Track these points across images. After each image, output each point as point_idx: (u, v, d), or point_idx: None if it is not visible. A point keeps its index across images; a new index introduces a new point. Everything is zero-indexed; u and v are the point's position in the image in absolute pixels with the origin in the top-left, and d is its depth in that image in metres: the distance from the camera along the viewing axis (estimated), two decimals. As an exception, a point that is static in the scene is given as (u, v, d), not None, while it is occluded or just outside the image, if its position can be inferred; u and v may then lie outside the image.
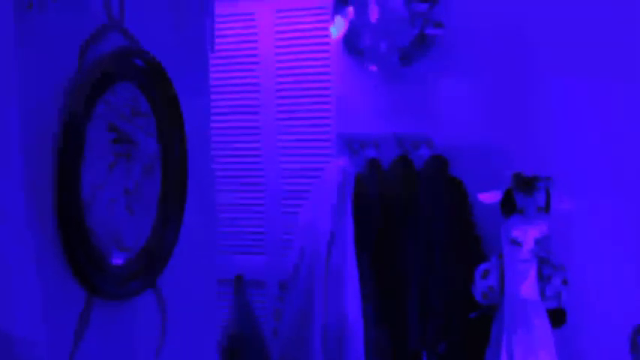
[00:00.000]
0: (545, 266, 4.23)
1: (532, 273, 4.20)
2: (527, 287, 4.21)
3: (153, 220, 2.30)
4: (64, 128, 2.02)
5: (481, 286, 4.29)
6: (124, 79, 2.17)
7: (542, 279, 4.23)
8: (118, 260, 2.21)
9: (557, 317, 4.27)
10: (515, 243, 4.20)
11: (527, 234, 4.19)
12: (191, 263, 2.46)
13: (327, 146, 4.87)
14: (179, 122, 2.33)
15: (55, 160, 2.01)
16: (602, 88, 4.35)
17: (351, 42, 4.69)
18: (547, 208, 4.19)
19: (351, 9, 4.65)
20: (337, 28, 4.68)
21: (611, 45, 4.31)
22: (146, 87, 2.23)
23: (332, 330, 4.56)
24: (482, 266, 4.31)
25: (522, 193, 4.18)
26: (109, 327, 2.18)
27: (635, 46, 4.30)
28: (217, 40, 4.21)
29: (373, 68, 4.70)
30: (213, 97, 2.62)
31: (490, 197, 4.28)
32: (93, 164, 2.10)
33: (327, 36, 4.78)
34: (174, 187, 2.34)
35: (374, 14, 4.62)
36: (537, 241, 4.21)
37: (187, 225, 2.38)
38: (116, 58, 2.14)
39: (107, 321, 2.17)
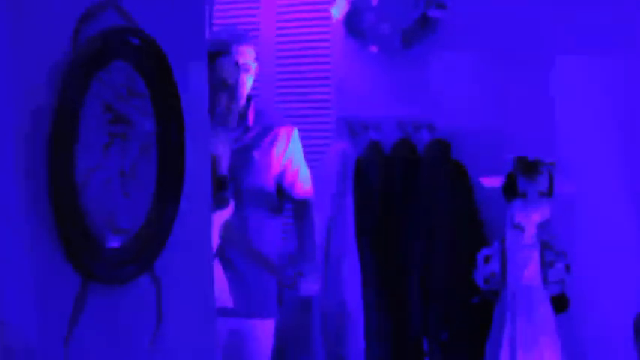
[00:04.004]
0: (548, 252, 4.21)
1: (535, 258, 4.18)
2: (530, 273, 4.18)
3: (149, 203, 2.26)
4: (57, 108, 1.98)
5: (483, 271, 4.27)
6: (119, 57, 2.12)
7: (545, 264, 4.20)
8: (113, 243, 2.17)
9: (559, 303, 4.24)
10: (518, 228, 4.17)
11: (530, 219, 4.16)
12: (188, 246, 2.41)
13: (327, 129, 4.83)
14: (176, 102, 2.28)
15: (48, 141, 1.96)
16: (606, 73, 4.31)
17: (352, 23, 4.65)
18: (550, 192, 4.15)
19: (352, -10, 4.60)
20: (338, 9, 4.64)
21: (617, 26, 4.27)
22: (142, 66, 2.18)
23: (332, 316, 4.53)
24: (485, 251, 4.29)
25: (525, 177, 4.15)
26: (105, 312, 2.14)
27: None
28: (218, 20, 4.17)
29: (374, 50, 4.65)
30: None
31: (493, 181, 4.25)
32: (87, 145, 2.05)
33: (327, 17, 4.73)
34: (171, 168, 2.29)
35: (376, -5, 4.58)
36: (540, 226, 4.18)
37: (185, 207, 2.34)
38: (112, 37, 2.09)
39: (102, 306, 2.13)
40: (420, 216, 4.52)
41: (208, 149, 2.51)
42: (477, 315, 4.40)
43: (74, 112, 2.01)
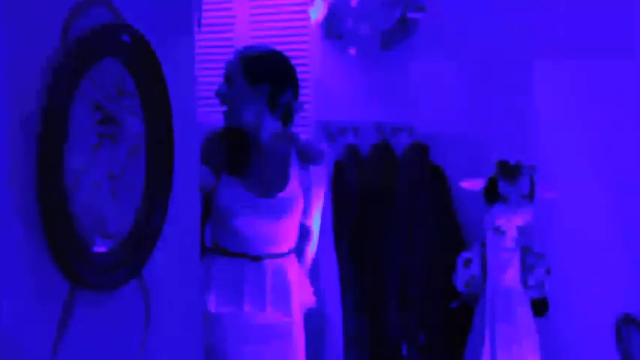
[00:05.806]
0: (528, 255, 4.19)
1: (515, 262, 4.16)
2: (511, 276, 4.16)
3: (138, 206, 2.19)
4: (46, 108, 1.91)
5: (463, 275, 4.24)
6: (109, 55, 2.05)
7: (525, 268, 4.18)
8: (101, 248, 2.10)
9: (539, 306, 4.23)
10: (499, 231, 4.14)
11: (511, 222, 4.14)
12: (177, 251, 2.35)
13: (305, 132, 4.78)
14: (165, 102, 2.21)
15: (37, 142, 1.89)
16: (586, 77, 4.31)
17: (330, 25, 4.61)
18: (531, 195, 4.14)
19: (331, -9, 4.57)
20: (316, 10, 4.59)
21: (596, 31, 4.27)
22: (132, 64, 2.11)
23: (310, 320, 4.48)
24: (465, 255, 4.26)
25: (506, 180, 4.12)
26: (93, 318, 2.08)
27: (621, 31, 4.26)
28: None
29: (353, 52, 4.61)
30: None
31: (473, 185, 4.23)
32: (76, 146, 1.98)
33: (306, 19, 4.68)
34: (160, 170, 2.22)
35: (354, -3, 4.55)
36: (521, 230, 4.16)
37: (173, 210, 2.28)
38: (101, 34, 2.02)
39: (91, 312, 2.06)
40: (398, 219, 4.49)
41: (197, 150, 2.45)
42: (455, 319, 4.37)
43: (63, 111, 1.93)
